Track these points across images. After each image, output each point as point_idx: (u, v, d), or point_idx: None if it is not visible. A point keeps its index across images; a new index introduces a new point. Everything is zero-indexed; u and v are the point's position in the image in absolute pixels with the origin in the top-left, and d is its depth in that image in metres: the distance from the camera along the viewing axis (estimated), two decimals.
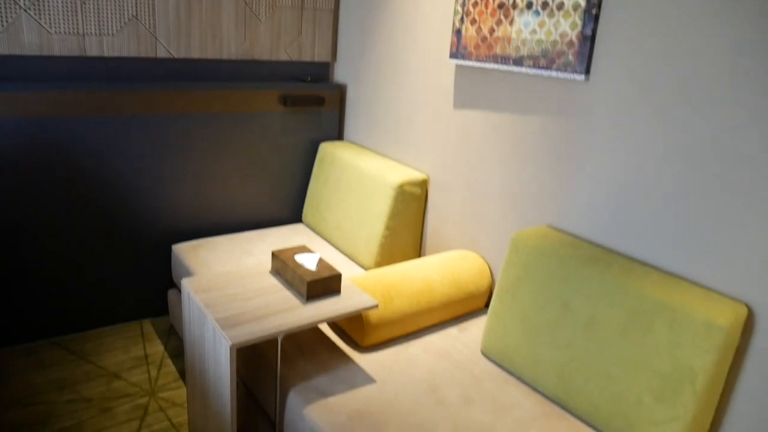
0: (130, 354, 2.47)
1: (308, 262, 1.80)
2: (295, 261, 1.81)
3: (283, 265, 1.81)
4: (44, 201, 2.34)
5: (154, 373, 2.36)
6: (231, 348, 1.49)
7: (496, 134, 2.12)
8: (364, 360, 1.81)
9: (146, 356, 2.47)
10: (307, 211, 2.86)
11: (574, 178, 1.86)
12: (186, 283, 1.76)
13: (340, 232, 2.58)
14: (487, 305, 2.24)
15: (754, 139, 1.41)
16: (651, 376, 1.47)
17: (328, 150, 2.80)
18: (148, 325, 2.70)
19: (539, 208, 1.99)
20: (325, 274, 1.73)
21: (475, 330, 2.05)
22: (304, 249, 1.90)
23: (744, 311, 1.45)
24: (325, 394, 1.63)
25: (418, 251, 2.57)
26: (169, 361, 2.44)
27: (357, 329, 1.86)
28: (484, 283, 2.15)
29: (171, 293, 2.56)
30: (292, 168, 2.94)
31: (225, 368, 1.54)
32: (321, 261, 1.82)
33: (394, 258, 2.45)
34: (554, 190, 1.93)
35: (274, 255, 1.86)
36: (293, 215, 3.03)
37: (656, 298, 1.48)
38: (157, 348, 2.53)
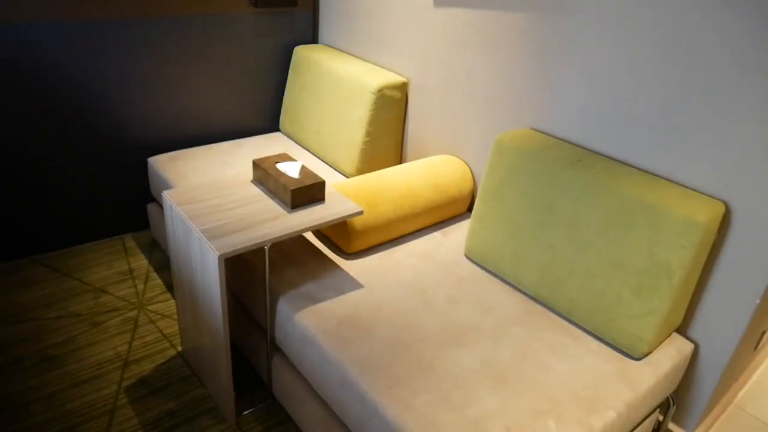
0: (114, 269, 2.47)
1: (291, 170, 1.77)
2: (277, 169, 1.78)
3: (265, 174, 1.79)
4: (12, 115, 2.23)
5: (140, 286, 2.38)
6: (219, 259, 1.49)
7: (478, 34, 2.05)
8: (350, 266, 1.84)
9: (131, 270, 2.47)
10: (284, 118, 2.79)
11: (557, 79, 1.82)
12: (167, 196, 1.73)
13: (320, 139, 2.54)
14: (469, 209, 2.26)
15: (735, 39, 1.38)
16: (630, 272, 1.52)
17: (303, 54, 2.69)
18: (129, 240, 2.69)
19: (522, 111, 1.97)
20: (309, 181, 1.72)
21: (458, 233, 2.08)
22: (285, 157, 1.86)
23: (722, 208, 1.48)
24: (314, 300, 1.66)
25: (400, 157, 2.55)
26: (154, 275, 2.46)
27: (342, 236, 1.87)
28: (467, 186, 2.16)
29: (151, 207, 2.53)
30: (267, 74, 2.84)
31: (214, 279, 1.55)
32: (304, 169, 1.79)
33: (376, 164, 2.43)
34: (538, 91, 1.90)
35: (255, 164, 1.82)
36: (270, 124, 2.96)
37: (637, 198, 1.50)
38: (141, 262, 2.53)
